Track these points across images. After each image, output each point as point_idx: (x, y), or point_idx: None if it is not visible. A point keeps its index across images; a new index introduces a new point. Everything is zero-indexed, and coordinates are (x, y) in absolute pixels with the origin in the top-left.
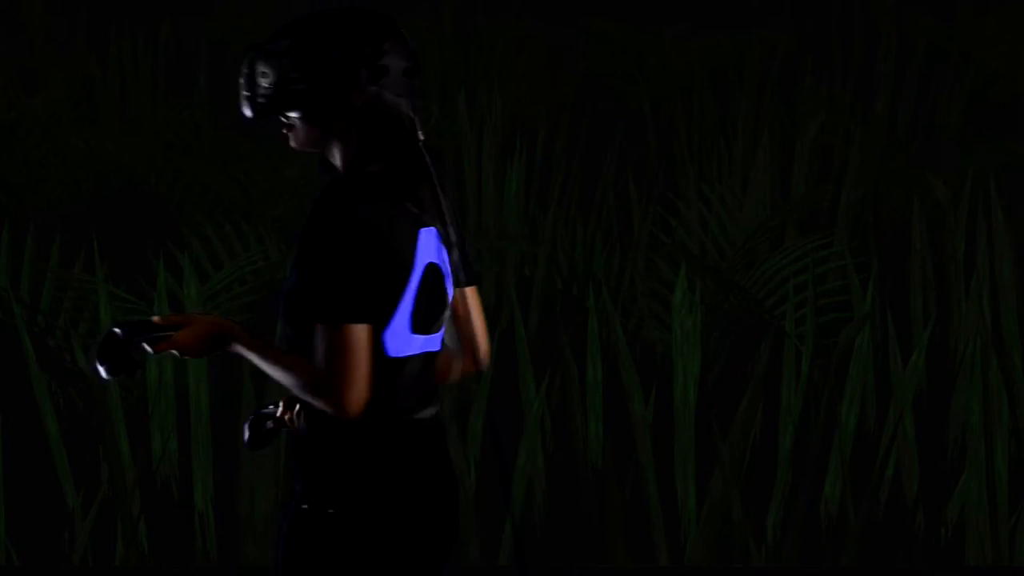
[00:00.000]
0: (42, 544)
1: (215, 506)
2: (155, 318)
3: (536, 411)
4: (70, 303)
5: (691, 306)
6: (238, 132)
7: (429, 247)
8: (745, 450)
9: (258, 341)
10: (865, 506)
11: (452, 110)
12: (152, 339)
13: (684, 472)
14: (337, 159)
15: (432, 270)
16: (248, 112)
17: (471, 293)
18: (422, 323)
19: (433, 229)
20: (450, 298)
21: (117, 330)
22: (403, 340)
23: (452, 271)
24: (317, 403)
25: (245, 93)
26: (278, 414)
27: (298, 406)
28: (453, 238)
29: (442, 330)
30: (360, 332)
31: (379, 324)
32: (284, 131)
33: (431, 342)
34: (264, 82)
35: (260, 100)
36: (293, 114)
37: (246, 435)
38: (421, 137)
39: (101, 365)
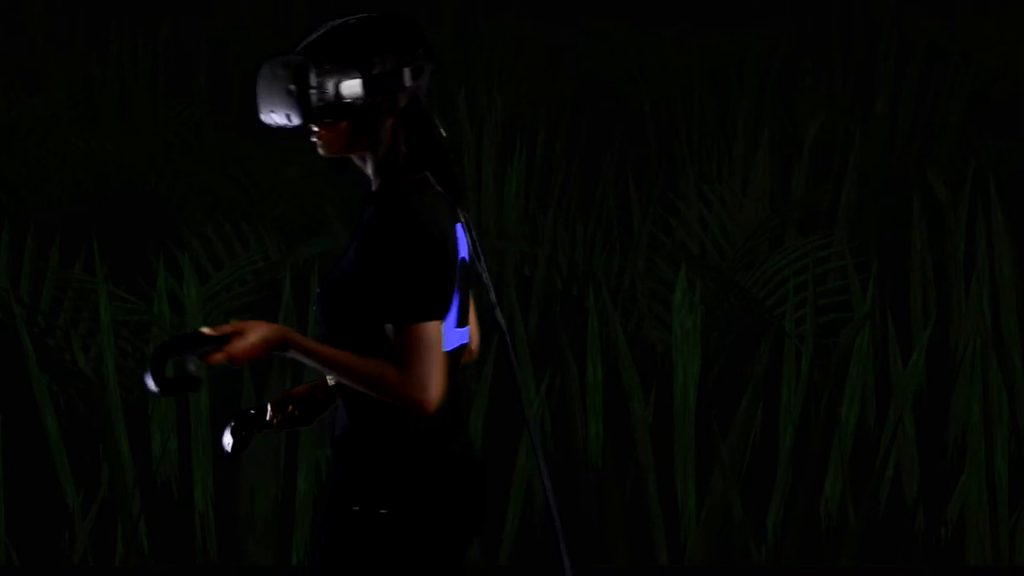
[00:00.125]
0: (42, 544)
1: (215, 506)
2: (204, 329)
3: (536, 411)
4: (70, 303)
5: (691, 306)
6: (238, 132)
7: (461, 242)
8: (745, 450)
9: (316, 343)
10: (865, 506)
11: (452, 110)
12: (204, 351)
13: (684, 472)
14: (374, 162)
15: (463, 264)
16: (296, 120)
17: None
18: (463, 316)
19: (459, 224)
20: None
21: (173, 347)
22: (452, 334)
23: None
24: (395, 401)
25: (294, 101)
26: (268, 417)
27: (343, 410)
28: (473, 233)
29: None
30: (435, 329)
31: (443, 320)
32: (316, 138)
33: (465, 334)
34: (321, 89)
35: (316, 107)
36: (338, 121)
37: (229, 441)
38: (443, 134)
39: (155, 385)
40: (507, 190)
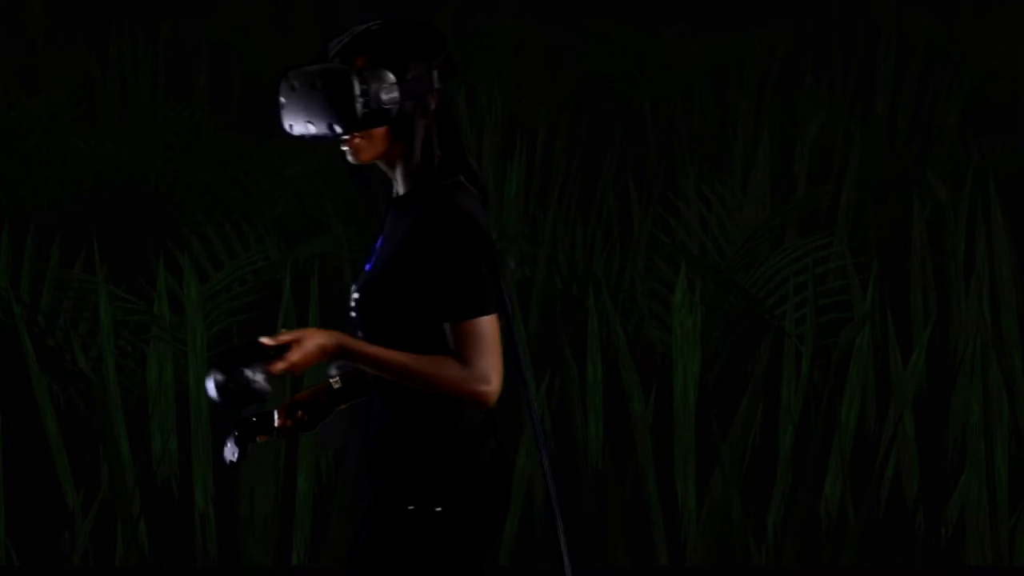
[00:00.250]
0: (42, 544)
1: (215, 506)
2: (264, 340)
3: (536, 411)
4: (70, 303)
5: (691, 306)
6: (238, 132)
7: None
8: (745, 450)
9: (371, 346)
10: (865, 506)
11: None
12: (267, 362)
13: (684, 472)
14: (406, 166)
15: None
16: (340, 130)
17: None
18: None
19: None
20: None
21: (238, 361)
22: None
23: None
24: (457, 395)
25: (339, 111)
26: (276, 424)
27: (383, 410)
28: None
29: None
30: (494, 322)
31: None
32: (349, 146)
33: None
34: (365, 97)
35: (361, 115)
36: (377, 127)
37: (233, 451)
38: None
39: (220, 398)
40: (507, 190)
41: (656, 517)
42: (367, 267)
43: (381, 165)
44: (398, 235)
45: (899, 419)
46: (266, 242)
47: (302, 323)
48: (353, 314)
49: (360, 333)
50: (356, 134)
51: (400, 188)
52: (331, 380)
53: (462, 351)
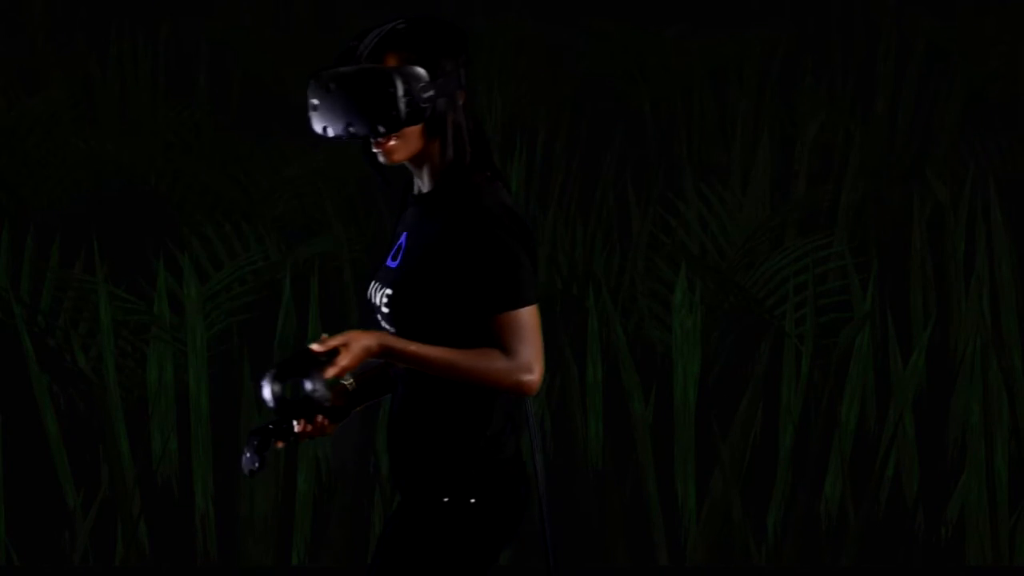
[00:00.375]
0: (42, 544)
1: (215, 506)
2: (314, 346)
3: (536, 411)
4: (70, 303)
5: (691, 306)
6: (238, 132)
7: None
8: (745, 450)
9: (414, 344)
10: (865, 506)
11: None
12: (321, 369)
13: (684, 472)
14: (438, 163)
15: None
16: (383, 129)
17: None
18: None
19: None
20: None
21: (306, 382)
22: None
23: None
24: (501, 386)
25: (384, 111)
26: (297, 429)
27: (412, 405)
28: None
29: None
30: (535, 312)
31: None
32: (383, 147)
33: None
34: (408, 96)
35: (403, 113)
36: (415, 125)
37: (254, 460)
38: None
39: (282, 410)
40: None
41: (656, 517)
42: (392, 264)
43: (407, 163)
44: (429, 231)
45: (899, 419)
46: (266, 242)
47: (302, 323)
48: (386, 310)
49: (392, 330)
50: (394, 134)
51: (425, 185)
52: (346, 383)
53: (505, 342)
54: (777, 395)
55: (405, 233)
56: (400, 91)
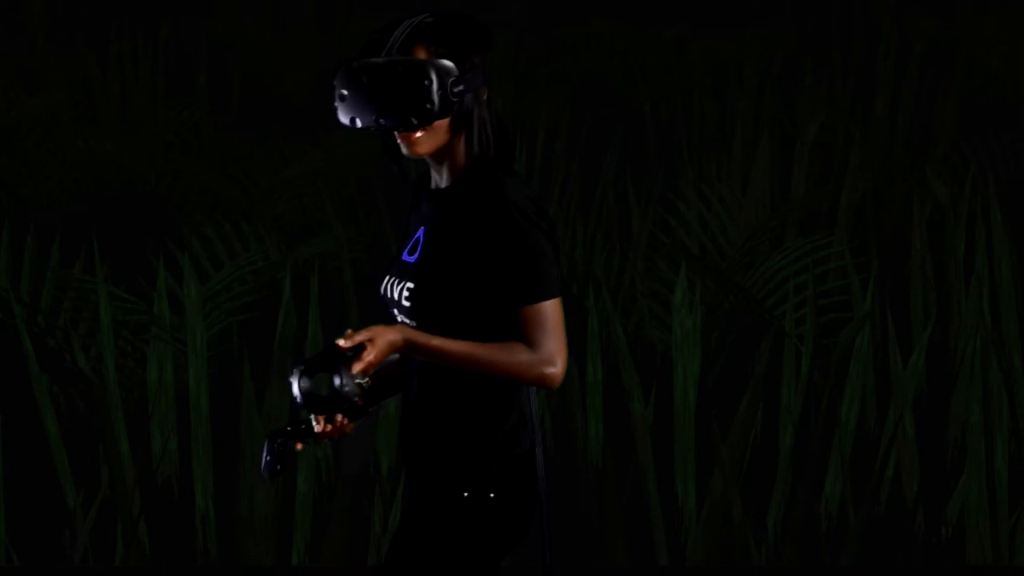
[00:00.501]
0: (42, 544)
1: (215, 506)
2: (340, 342)
3: (536, 411)
4: (70, 303)
5: (691, 306)
6: (238, 132)
7: None
8: (745, 450)
9: (437, 338)
10: (865, 506)
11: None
12: (349, 365)
13: (684, 472)
14: (461, 157)
15: None
16: (416, 121)
17: None
18: None
19: None
20: None
21: (335, 378)
22: None
23: None
24: (524, 379)
25: (417, 103)
26: (318, 429)
27: (430, 400)
28: None
29: None
30: (558, 305)
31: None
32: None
33: None
34: (440, 89)
35: (436, 106)
36: (443, 119)
37: (275, 462)
38: None
39: (311, 407)
40: None
41: (656, 517)
42: (409, 258)
43: (427, 156)
44: (451, 224)
45: (899, 419)
46: (266, 242)
47: (302, 323)
48: (407, 304)
49: (412, 324)
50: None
51: (443, 180)
52: (362, 381)
53: (528, 335)
54: (777, 395)
55: (423, 227)
56: (435, 84)
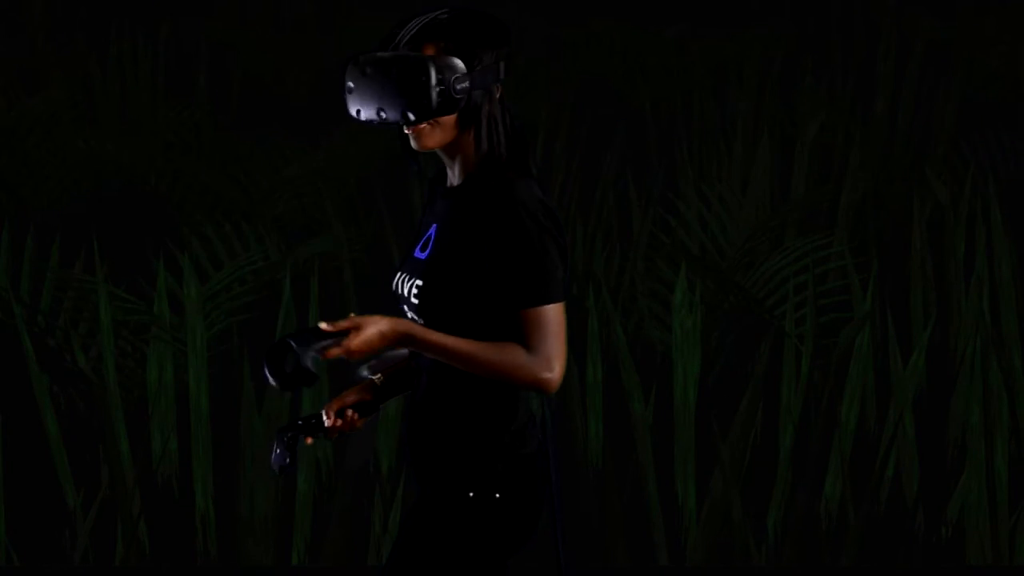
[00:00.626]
0: (42, 544)
1: (215, 506)
2: (323, 324)
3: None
4: (70, 303)
5: (691, 306)
6: (238, 132)
7: None
8: (745, 450)
9: (436, 334)
10: (865, 506)
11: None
12: (323, 347)
13: (684, 472)
14: (472, 155)
15: None
16: (412, 116)
17: None
18: None
19: None
20: None
21: (292, 342)
22: None
23: None
24: (521, 382)
25: (415, 99)
26: (328, 425)
27: (437, 399)
28: None
29: None
30: (561, 310)
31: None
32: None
33: None
34: (441, 85)
35: (436, 103)
36: (448, 115)
37: (284, 456)
38: None
39: (274, 379)
40: None
41: (656, 517)
42: (420, 255)
43: (440, 152)
44: (461, 223)
45: (899, 419)
46: (266, 242)
47: (302, 323)
48: (415, 301)
49: (420, 321)
50: (427, 122)
51: (456, 177)
52: (374, 378)
53: (528, 337)
54: (777, 395)
55: (435, 225)
56: (433, 80)
